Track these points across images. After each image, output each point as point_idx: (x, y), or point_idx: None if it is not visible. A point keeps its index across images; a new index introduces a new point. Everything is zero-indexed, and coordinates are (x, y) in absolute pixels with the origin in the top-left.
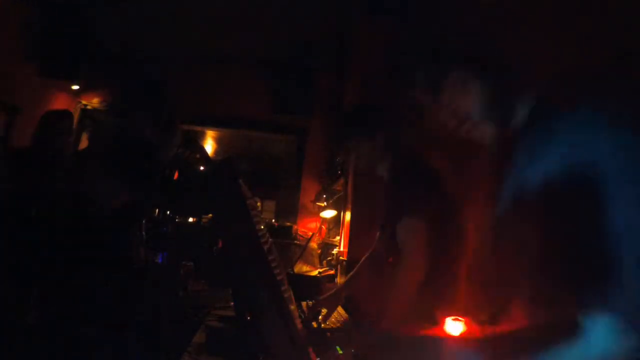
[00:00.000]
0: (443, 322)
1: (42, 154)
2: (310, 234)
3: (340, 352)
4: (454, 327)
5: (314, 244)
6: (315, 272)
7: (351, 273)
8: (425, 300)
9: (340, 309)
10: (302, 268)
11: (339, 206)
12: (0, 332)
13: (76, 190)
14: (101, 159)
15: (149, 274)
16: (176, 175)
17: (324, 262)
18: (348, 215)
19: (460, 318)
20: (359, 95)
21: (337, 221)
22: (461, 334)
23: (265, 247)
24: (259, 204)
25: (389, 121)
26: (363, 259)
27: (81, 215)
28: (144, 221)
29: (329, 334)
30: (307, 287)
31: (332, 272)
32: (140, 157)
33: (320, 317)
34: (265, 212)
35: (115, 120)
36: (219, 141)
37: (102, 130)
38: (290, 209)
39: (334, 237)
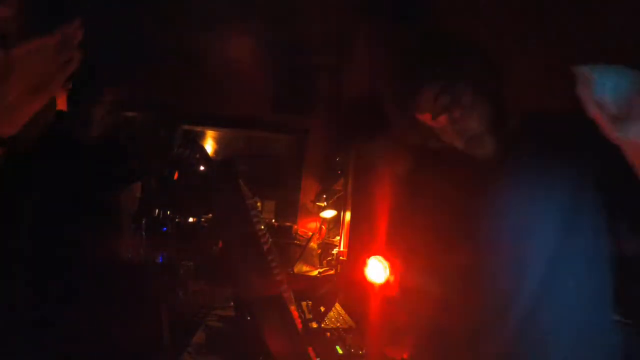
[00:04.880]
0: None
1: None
2: (310, 234)
3: (341, 352)
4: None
5: (314, 244)
6: (315, 272)
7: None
8: None
9: (340, 308)
10: (302, 268)
11: (339, 206)
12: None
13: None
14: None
15: (149, 274)
16: (176, 176)
17: (324, 262)
18: (348, 215)
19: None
20: (359, 95)
21: (337, 221)
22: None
23: (265, 247)
24: (259, 204)
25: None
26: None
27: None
28: (144, 221)
29: (328, 334)
30: (307, 287)
31: (332, 272)
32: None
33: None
34: (265, 212)
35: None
36: (219, 141)
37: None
38: (290, 209)
39: (334, 237)
